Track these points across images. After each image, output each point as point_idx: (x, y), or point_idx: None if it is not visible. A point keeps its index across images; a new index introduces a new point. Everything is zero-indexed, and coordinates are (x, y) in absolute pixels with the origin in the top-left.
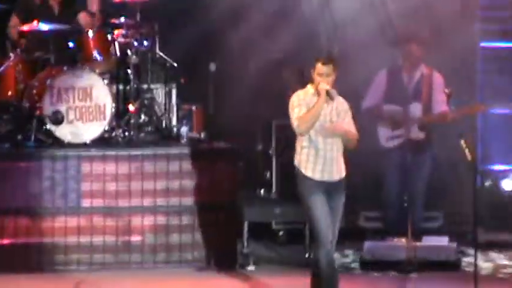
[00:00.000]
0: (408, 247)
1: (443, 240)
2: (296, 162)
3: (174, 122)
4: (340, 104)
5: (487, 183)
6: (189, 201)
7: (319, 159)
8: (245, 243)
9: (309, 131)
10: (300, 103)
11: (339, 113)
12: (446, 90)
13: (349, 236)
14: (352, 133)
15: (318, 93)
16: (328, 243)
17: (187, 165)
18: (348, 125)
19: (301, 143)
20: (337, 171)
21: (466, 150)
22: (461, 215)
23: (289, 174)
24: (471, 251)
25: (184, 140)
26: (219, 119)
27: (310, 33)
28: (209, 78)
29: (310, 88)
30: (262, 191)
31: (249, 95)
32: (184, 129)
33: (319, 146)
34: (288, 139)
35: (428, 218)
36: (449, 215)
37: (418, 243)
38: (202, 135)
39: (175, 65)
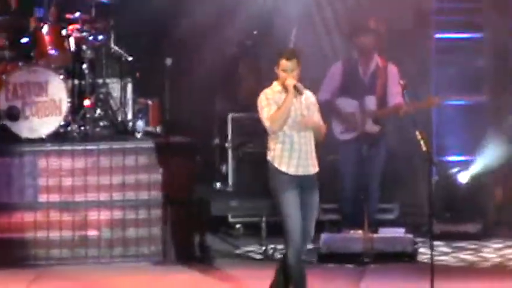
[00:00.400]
0: (365, 239)
1: (399, 232)
2: (269, 158)
3: (129, 116)
4: (308, 97)
5: (442, 175)
6: (145, 195)
7: (294, 153)
8: (202, 237)
9: (282, 128)
10: (269, 102)
11: (308, 106)
12: (401, 82)
13: None
14: (322, 125)
15: (285, 89)
16: (298, 241)
17: (143, 159)
18: (317, 117)
19: (275, 140)
20: (312, 164)
21: (421, 142)
22: (416, 206)
23: (246, 167)
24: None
25: (140, 134)
26: (175, 113)
27: (265, 27)
28: (165, 72)
29: (276, 85)
30: (218, 184)
31: (205, 89)
32: (140, 124)
33: (294, 140)
34: (244, 132)
35: (384, 210)
36: (405, 207)
37: (374, 235)
38: (158, 129)
39: (130, 59)
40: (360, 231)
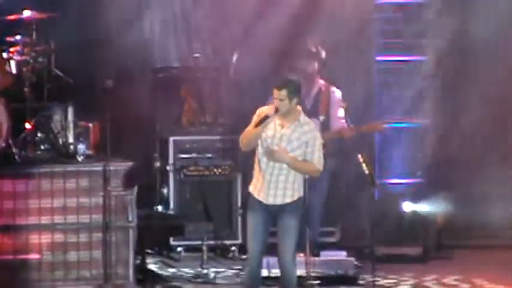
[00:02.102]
0: (307, 262)
1: (341, 255)
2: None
3: (70, 139)
4: (302, 132)
5: (384, 197)
6: (86, 218)
7: (260, 179)
8: (143, 260)
9: (248, 149)
10: (255, 120)
11: (292, 141)
12: (343, 104)
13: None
14: (300, 164)
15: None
16: (253, 264)
17: (84, 182)
18: (305, 155)
19: (257, 164)
20: (280, 195)
21: (363, 165)
22: (358, 229)
23: (187, 190)
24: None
25: (82, 157)
26: (117, 136)
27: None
28: (106, 95)
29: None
30: (159, 207)
31: (146, 111)
32: (81, 147)
33: (262, 166)
34: (185, 155)
35: (326, 233)
36: (347, 230)
37: (316, 258)
38: (99, 152)
39: (71, 82)
40: (302, 255)
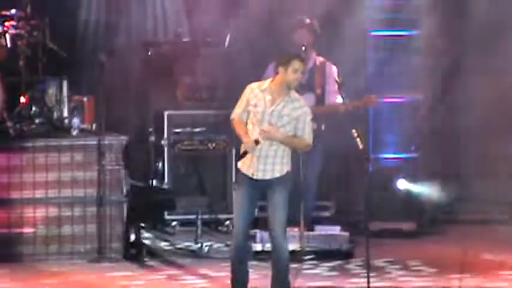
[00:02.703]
0: (301, 236)
1: (335, 230)
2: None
3: (65, 113)
4: (292, 108)
5: (378, 172)
6: (80, 192)
7: (254, 157)
8: (137, 235)
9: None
10: (242, 99)
11: (282, 116)
12: (337, 79)
13: None
14: (292, 140)
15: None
16: (238, 238)
17: (78, 157)
18: (295, 130)
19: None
20: (269, 170)
21: (358, 140)
22: (353, 204)
23: (182, 165)
24: None
25: (76, 131)
26: (111, 111)
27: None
28: (100, 69)
29: (266, 83)
30: (154, 182)
31: (141, 86)
32: (75, 121)
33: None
34: (180, 130)
35: (321, 208)
36: (341, 205)
37: (310, 233)
38: (94, 126)
39: (66, 56)
40: (296, 229)
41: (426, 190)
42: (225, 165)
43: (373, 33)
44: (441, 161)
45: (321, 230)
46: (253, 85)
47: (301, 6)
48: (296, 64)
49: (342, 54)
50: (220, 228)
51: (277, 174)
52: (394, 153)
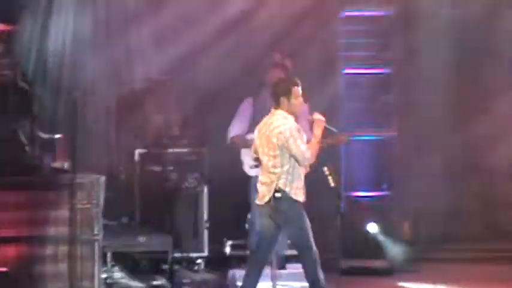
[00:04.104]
0: (272, 275)
1: None
2: (287, 188)
3: (36, 151)
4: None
5: (350, 210)
6: (52, 231)
7: (300, 183)
8: (109, 273)
9: None
10: (300, 133)
11: None
12: (310, 117)
13: (215, 263)
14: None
15: (311, 122)
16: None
17: (50, 195)
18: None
19: (291, 171)
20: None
21: (329, 177)
22: (325, 241)
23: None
24: None
25: (47, 170)
26: (83, 149)
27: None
28: (73, 107)
29: (286, 115)
30: (125, 219)
31: (112, 124)
32: (47, 159)
33: (300, 171)
34: (150, 168)
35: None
36: (315, 242)
37: (282, 271)
38: (66, 165)
39: (39, 94)
40: (268, 267)
41: (398, 222)
42: (197, 203)
43: (347, 70)
44: (413, 198)
45: (292, 268)
46: (288, 120)
47: (273, 45)
48: (297, 90)
49: (315, 91)
50: (191, 266)
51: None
52: (366, 191)
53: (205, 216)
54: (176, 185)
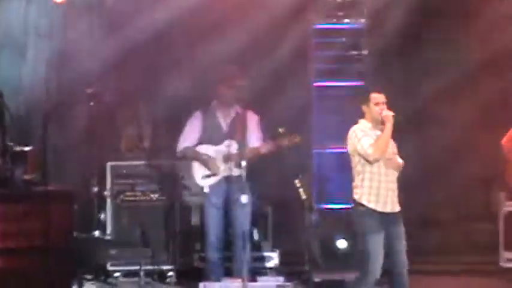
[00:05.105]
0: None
1: (278, 280)
2: (356, 196)
3: (8, 163)
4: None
5: (323, 222)
6: (23, 244)
7: (382, 191)
8: (80, 286)
9: (382, 158)
10: (366, 133)
11: (394, 145)
12: (281, 130)
13: (186, 276)
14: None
15: (382, 122)
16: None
17: (21, 207)
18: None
19: (362, 177)
20: (398, 202)
21: (301, 190)
22: (296, 254)
23: (124, 215)
24: None
25: (18, 182)
26: (54, 161)
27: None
28: (44, 119)
29: (364, 122)
30: (97, 233)
31: (84, 136)
32: (18, 171)
33: (382, 178)
34: (123, 181)
35: (264, 258)
36: (285, 255)
37: (253, 283)
38: (36, 177)
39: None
40: (239, 280)
41: None
42: (169, 216)
43: (318, 83)
44: None
45: (264, 280)
46: (359, 126)
47: (243, 56)
48: (376, 97)
49: (287, 104)
50: (163, 279)
51: (397, 208)
52: (338, 204)
53: (177, 229)
54: (147, 197)
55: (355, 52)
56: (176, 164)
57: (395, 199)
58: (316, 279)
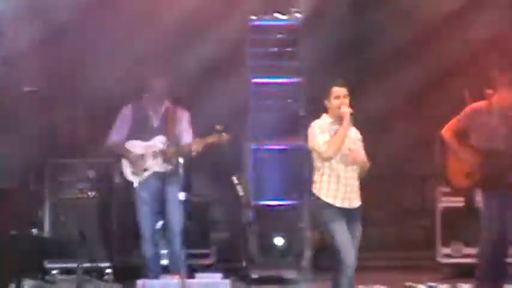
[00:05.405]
0: (182, 285)
1: (216, 277)
2: (315, 190)
3: None
4: (354, 132)
5: (260, 219)
6: None
7: (341, 186)
8: (18, 283)
9: (336, 156)
10: (323, 130)
11: (355, 141)
12: (218, 127)
13: (124, 274)
14: (366, 163)
15: (340, 118)
16: (352, 269)
17: None
18: (363, 154)
19: (322, 172)
20: (357, 198)
21: (239, 187)
22: (234, 251)
23: (62, 213)
24: None
25: None
26: None
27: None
28: None
29: (326, 117)
30: (35, 230)
31: (23, 134)
32: None
33: (340, 173)
34: (60, 178)
35: (202, 255)
36: (223, 252)
37: (191, 280)
38: None
39: None
40: (177, 277)
41: (308, 230)
42: (107, 214)
43: (255, 80)
44: None
45: (201, 277)
46: (318, 121)
47: (181, 51)
48: (336, 91)
49: (224, 101)
50: (101, 276)
51: (358, 204)
52: (276, 200)
53: (115, 227)
54: (85, 195)
55: (291, 49)
56: (112, 161)
57: (355, 195)
58: (254, 276)
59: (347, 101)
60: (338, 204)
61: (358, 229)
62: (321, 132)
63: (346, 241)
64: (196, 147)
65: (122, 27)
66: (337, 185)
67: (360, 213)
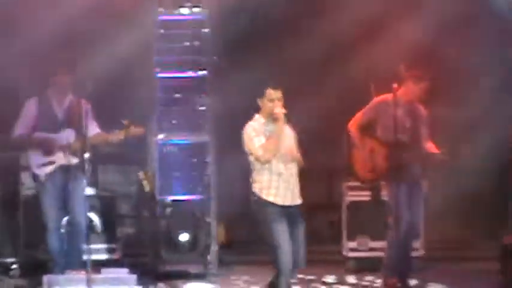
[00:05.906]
0: (88, 279)
1: (122, 272)
2: (256, 190)
3: None
4: (289, 129)
5: (166, 213)
6: None
7: (283, 184)
8: None
9: (274, 157)
10: (258, 133)
11: (290, 138)
12: (125, 122)
13: (31, 269)
14: (301, 160)
15: (273, 119)
16: (288, 271)
17: None
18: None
19: (262, 171)
20: (298, 195)
21: (144, 182)
22: (140, 246)
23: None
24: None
25: None
26: None
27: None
28: None
29: (259, 118)
30: None
31: None
32: None
33: (281, 171)
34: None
35: (108, 250)
36: (129, 247)
37: (97, 276)
38: None
39: None
40: (83, 272)
41: (212, 225)
42: (13, 208)
43: (161, 74)
44: (230, 202)
45: (108, 272)
46: (252, 123)
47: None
48: (270, 93)
49: (131, 96)
50: (7, 272)
51: (299, 201)
52: (182, 195)
53: (21, 220)
54: None
55: (198, 43)
56: (17, 155)
57: (296, 191)
58: (160, 270)
59: (281, 103)
60: (280, 202)
61: (302, 226)
62: (256, 136)
63: (284, 242)
64: (106, 138)
65: (37, 17)
66: (278, 183)
67: (300, 211)
